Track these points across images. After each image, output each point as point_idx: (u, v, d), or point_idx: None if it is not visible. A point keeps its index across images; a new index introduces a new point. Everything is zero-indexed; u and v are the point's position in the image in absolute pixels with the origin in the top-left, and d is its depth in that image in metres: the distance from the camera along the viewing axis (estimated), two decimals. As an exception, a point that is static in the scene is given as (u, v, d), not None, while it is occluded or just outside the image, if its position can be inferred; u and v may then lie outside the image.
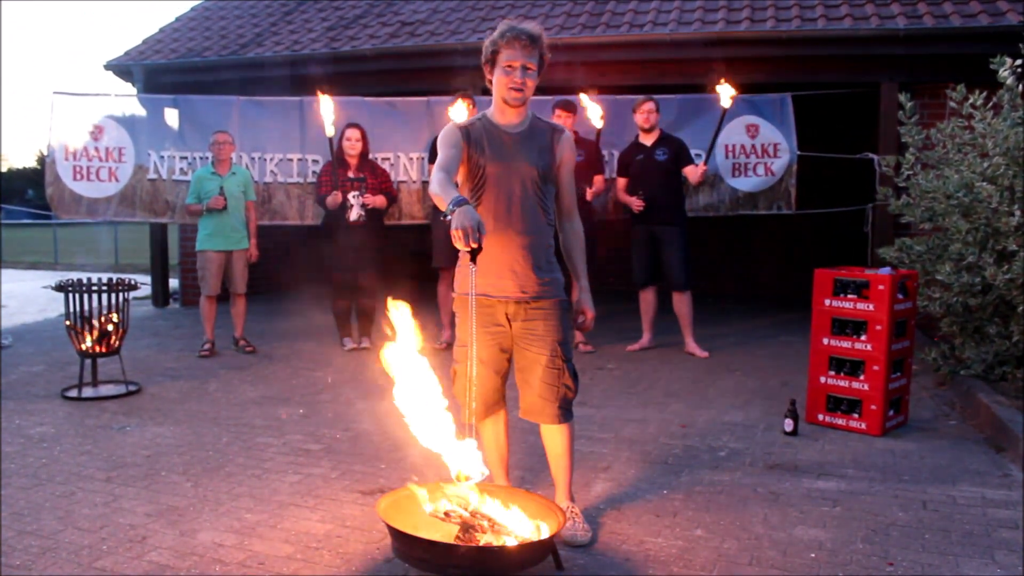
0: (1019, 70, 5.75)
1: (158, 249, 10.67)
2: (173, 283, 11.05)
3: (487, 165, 3.39)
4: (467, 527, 3.07)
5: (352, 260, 7.15)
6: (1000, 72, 5.76)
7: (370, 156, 7.53)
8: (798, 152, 8.28)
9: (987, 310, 5.70)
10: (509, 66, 3.33)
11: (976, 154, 5.76)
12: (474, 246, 2.91)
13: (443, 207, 3.02)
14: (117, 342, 6.01)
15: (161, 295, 10.66)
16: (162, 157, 8.67)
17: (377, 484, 4.13)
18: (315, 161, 8.56)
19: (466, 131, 3.41)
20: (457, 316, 3.58)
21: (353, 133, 7.22)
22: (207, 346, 7.28)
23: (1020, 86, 5.77)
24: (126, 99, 9.13)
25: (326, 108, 6.94)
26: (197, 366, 6.89)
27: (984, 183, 5.48)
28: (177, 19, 11.49)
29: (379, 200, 7.22)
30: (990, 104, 5.88)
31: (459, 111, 6.34)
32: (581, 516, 3.57)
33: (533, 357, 3.47)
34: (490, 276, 3.41)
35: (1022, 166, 5.42)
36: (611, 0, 9.35)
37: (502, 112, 3.45)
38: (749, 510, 3.82)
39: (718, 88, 5.85)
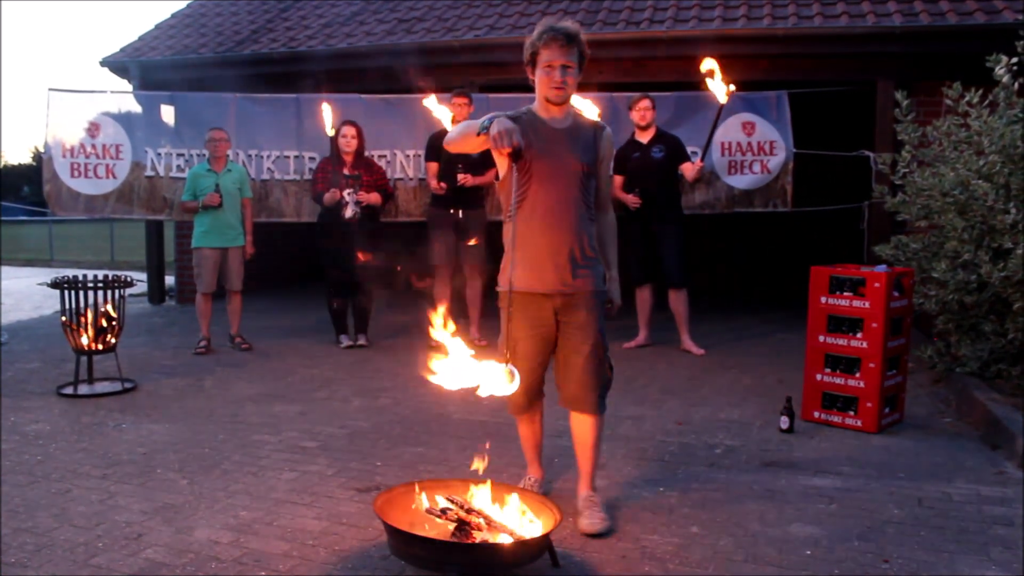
0: (1015, 68, 5.76)
1: (154, 246, 10.66)
2: (169, 280, 11.04)
3: (534, 160, 3.45)
4: (463, 525, 3.07)
5: (348, 257, 7.14)
6: (996, 70, 5.76)
7: (366, 153, 7.52)
8: (794, 150, 8.29)
9: (983, 308, 5.71)
10: (549, 66, 3.42)
11: (972, 152, 5.76)
12: (516, 144, 3.14)
13: (475, 132, 3.28)
14: (113, 339, 6.00)
15: (157, 292, 10.64)
16: (159, 154, 8.66)
17: (373, 481, 4.13)
18: (312, 158, 8.56)
19: (514, 123, 3.40)
20: (503, 314, 3.60)
21: (349, 130, 7.22)
22: (203, 343, 7.27)
23: (1016, 84, 5.78)
24: (122, 96, 9.11)
25: (326, 112, 6.93)
26: (193, 363, 6.88)
27: (980, 181, 5.48)
28: (173, 15, 11.44)
29: (374, 197, 7.22)
30: (986, 102, 5.88)
31: (437, 107, 6.25)
32: (600, 506, 3.62)
33: (575, 347, 3.55)
34: (537, 269, 3.49)
35: (1018, 164, 5.42)
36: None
37: (546, 109, 3.54)
38: (745, 507, 3.83)
39: (710, 76, 5.83)
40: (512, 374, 3.10)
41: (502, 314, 3.60)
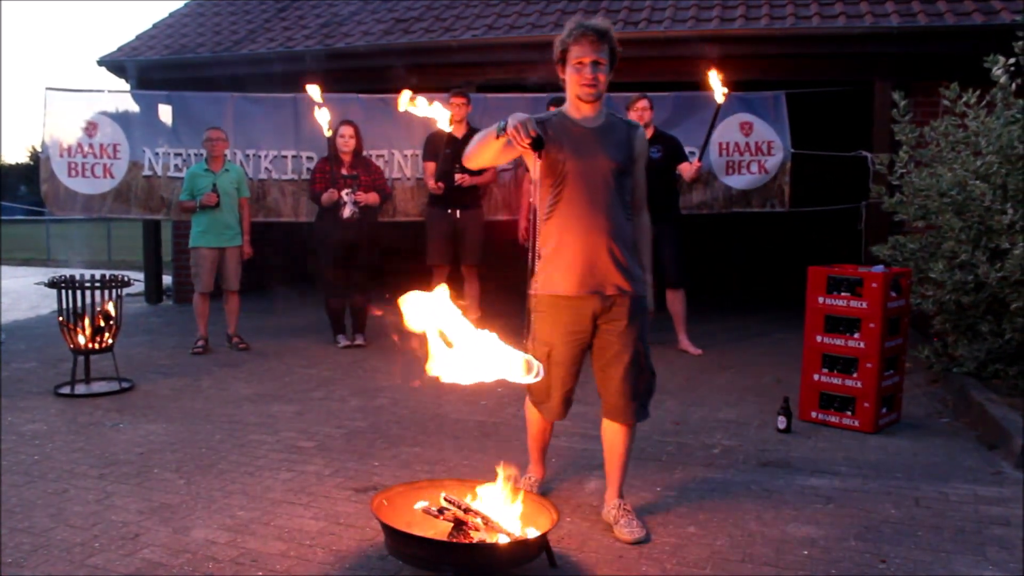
0: (1012, 68, 5.76)
1: (151, 246, 10.65)
2: (166, 280, 11.02)
3: (567, 161, 3.39)
4: (460, 524, 3.07)
5: (346, 257, 7.13)
6: (993, 70, 5.77)
7: (364, 153, 7.51)
8: (792, 150, 8.29)
9: (980, 308, 5.71)
10: (579, 63, 3.36)
11: (969, 152, 5.77)
12: (534, 135, 3.10)
13: (494, 136, 3.24)
14: (110, 339, 5.99)
15: (154, 292, 10.62)
16: (156, 154, 8.64)
17: (371, 481, 4.13)
18: (309, 158, 8.54)
19: (542, 126, 3.35)
20: (535, 315, 3.53)
21: (347, 130, 7.21)
22: (200, 343, 7.26)
23: (1013, 84, 5.79)
24: (120, 95, 9.09)
25: (322, 113, 6.92)
26: (190, 363, 6.87)
27: (977, 181, 5.50)
28: (171, 15, 11.44)
29: (372, 197, 7.22)
30: (983, 102, 5.89)
31: (430, 110, 6.13)
32: (634, 512, 3.58)
33: (616, 356, 3.48)
34: (576, 273, 3.41)
35: (1015, 164, 5.43)
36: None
37: (577, 108, 3.47)
38: (742, 507, 3.83)
39: (709, 76, 5.83)
40: (530, 364, 2.95)
41: (533, 316, 3.52)
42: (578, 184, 3.39)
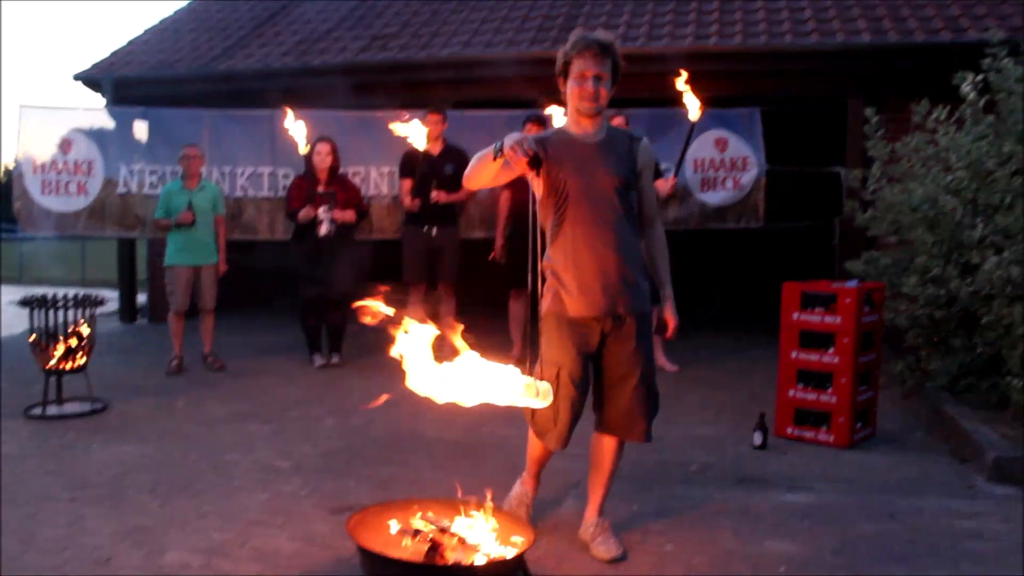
0: (980, 85, 5.85)
1: (126, 264, 10.56)
2: (141, 298, 10.93)
3: (569, 179, 3.32)
4: (436, 545, 3.06)
5: (322, 275, 7.11)
6: (962, 87, 5.85)
7: (341, 170, 7.50)
8: (767, 166, 8.35)
9: (952, 322, 5.77)
10: (581, 76, 3.29)
11: (940, 168, 5.84)
12: (531, 153, 3.07)
13: (491, 157, 3.20)
14: (83, 359, 5.93)
15: (129, 311, 10.53)
16: (132, 171, 8.58)
17: (347, 501, 4.10)
18: (286, 175, 8.50)
19: (541, 144, 3.32)
20: (543, 336, 3.44)
21: (323, 147, 7.19)
22: (175, 362, 7.19)
23: (982, 101, 5.87)
24: (95, 112, 9.04)
25: (297, 128, 6.90)
26: (165, 383, 6.81)
27: (948, 196, 5.56)
28: (147, 31, 11.37)
29: (349, 215, 7.20)
30: (953, 119, 5.97)
31: (408, 129, 6.09)
32: (612, 530, 3.57)
33: (625, 374, 3.41)
34: (586, 293, 3.33)
35: (984, 179, 5.50)
36: (581, 16, 9.40)
37: (577, 123, 3.41)
38: (719, 524, 3.84)
39: (684, 92, 5.87)
40: (535, 387, 2.84)
41: (542, 338, 3.43)
42: (581, 202, 3.32)
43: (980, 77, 5.86)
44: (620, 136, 3.48)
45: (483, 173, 3.37)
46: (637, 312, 3.39)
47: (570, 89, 3.34)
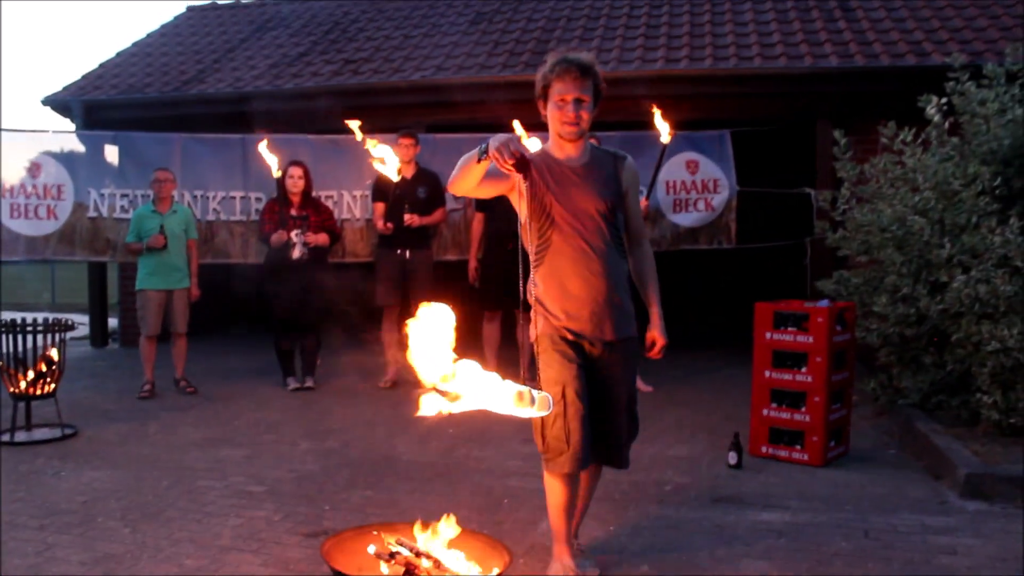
0: (945, 108, 5.95)
1: (96, 288, 10.45)
2: (112, 323, 10.82)
3: (553, 203, 3.24)
4: (412, 569, 3.03)
5: (295, 299, 7.07)
6: (927, 110, 5.95)
7: (313, 194, 7.48)
8: (738, 187, 8.43)
9: (922, 340, 5.83)
10: (561, 100, 3.20)
11: (907, 188, 5.92)
12: (518, 154, 2.91)
13: (475, 160, 3.02)
14: (52, 384, 5.86)
15: (99, 335, 10.41)
16: (102, 195, 8.52)
17: (321, 526, 4.06)
18: (258, 199, 8.48)
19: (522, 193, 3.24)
20: (540, 357, 3.29)
21: (296, 171, 7.18)
22: (147, 387, 7.12)
23: (946, 123, 5.98)
24: (65, 135, 8.97)
25: (269, 155, 6.89)
26: (136, 408, 6.73)
27: (916, 216, 5.63)
28: (118, 54, 11.30)
29: (322, 238, 7.18)
30: (919, 140, 6.07)
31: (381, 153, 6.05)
32: (588, 552, 3.58)
33: (608, 400, 3.35)
34: (575, 319, 3.26)
35: (951, 200, 5.58)
36: (552, 39, 9.47)
37: (560, 147, 3.32)
38: (695, 544, 3.84)
39: (655, 115, 5.92)
40: (528, 395, 2.54)
41: (540, 359, 3.29)
42: (566, 228, 3.24)
43: (944, 100, 5.96)
44: (604, 157, 3.40)
45: (467, 177, 3.18)
46: (623, 337, 3.34)
47: (551, 112, 3.25)
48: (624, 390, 3.37)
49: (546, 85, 3.24)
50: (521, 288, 3.22)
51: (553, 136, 3.32)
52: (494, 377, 2.59)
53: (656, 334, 3.45)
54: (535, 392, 2.56)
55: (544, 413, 2.65)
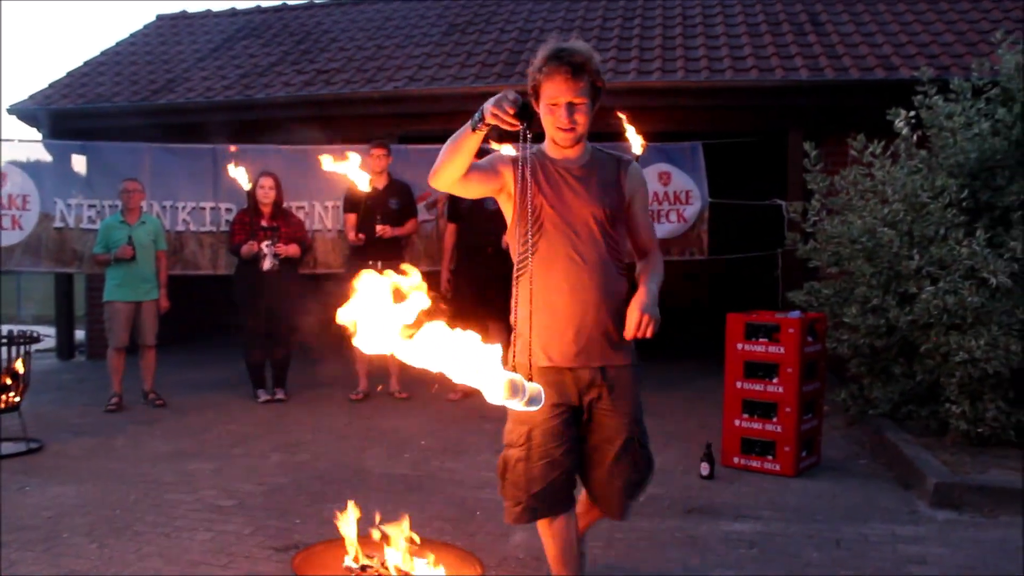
0: (913, 121, 6.02)
1: (63, 299, 10.31)
2: (79, 335, 10.67)
3: (543, 207, 2.85)
4: (384, 582, 3.01)
5: (266, 310, 7.01)
6: (896, 123, 6.01)
7: (284, 204, 7.43)
8: (709, 199, 8.47)
9: (892, 351, 5.87)
10: (553, 104, 2.80)
11: (877, 200, 5.97)
12: (515, 99, 2.48)
13: (468, 133, 2.62)
14: (17, 397, 5.76)
15: (66, 347, 10.27)
16: (69, 205, 8.42)
17: (292, 539, 4.01)
18: (228, 210, 8.42)
19: (517, 160, 2.87)
20: None
21: (267, 181, 7.13)
22: (114, 400, 7.01)
23: (915, 136, 6.04)
24: (30, 144, 8.85)
25: (239, 172, 6.84)
26: (104, 421, 6.63)
27: (885, 228, 5.68)
28: (86, 63, 11.20)
29: (292, 249, 7.12)
30: (888, 153, 6.12)
31: (346, 167, 6.06)
32: None
33: (607, 438, 2.91)
34: (556, 340, 2.85)
35: (919, 212, 5.64)
36: (525, 51, 9.50)
37: (556, 148, 2.92)
38: (668, 555, 3.84)
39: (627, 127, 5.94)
40: (514, 387, 2.07)
41: None
42: (556, 236, 2.85)
43: (912, 113, 6.03)
44: (606, 160, 2.99)
45: (456, 157, 2.71)
46: (619, 364, 2.92)
47: (543, 115, 2.84)
48: (625, 426, 2.91)
49: (535, 85, 2.84)
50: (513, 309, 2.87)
51: (548, 138, 2.93)
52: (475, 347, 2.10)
53: (633, 305, 2.80)
54: (528, 384, 2.11)
55: (532, 408, 2.15)
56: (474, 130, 2.61)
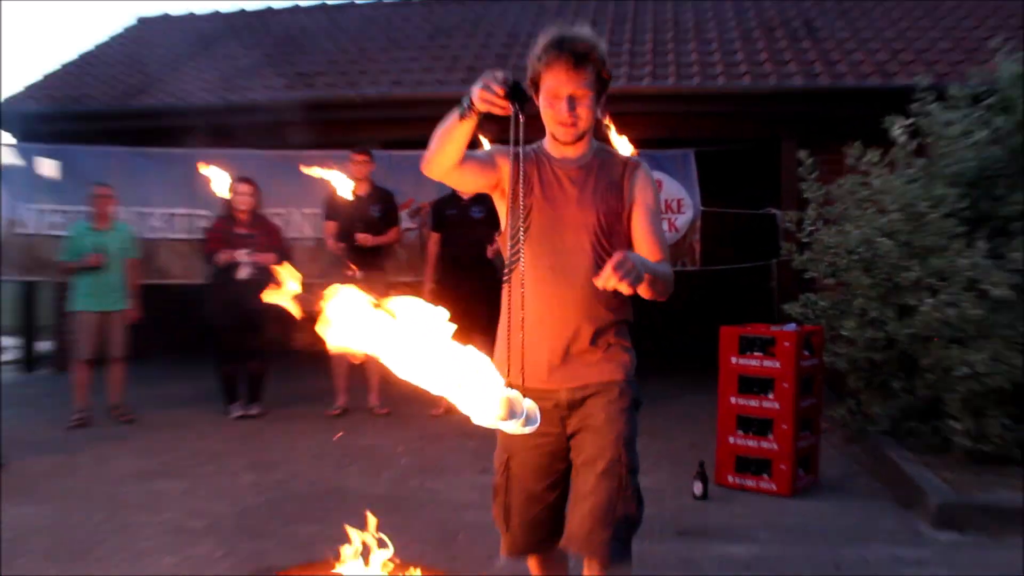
0: (910, 129, 5.91)
1: (26, 309, 10.07)
2: (43, 346, 10.40)
3: (534, 208, 2.58)
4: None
5: (241, 321, 6.78)
6: (893, 131, 5.92)
7: (262, 211, 7.22)
8: (702, 208, 8.35)
9: (892, 365, 5.75)
10: (553, 96, 2.52)
11: (874, 210, 5.86)
12: (504, 79, 2.26)
13: (455, 120, 2.40)
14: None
15: (28, 359, 10.02)
16: (36, 211, 8.20)
17: (265, 563, 3.85)
18: (203, 216, 8.20)
19: (513, 154, 2.57)
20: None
21: (244, 187, 6.93)
22: (79, 415, 6.76)
23: (912, 144, 5.94)
24: (-1, 148, 8.64)
25: (215, 173, 6.64)
26: (67, 438, 6.41)
27: (883, 238, 5.57)
28: (62, 65, 11.00)
29: (270, 258, 6.90)
30: (885, 161, 6.02)
31: (326, 174, 5.88)
32: None
33: (587, 461, 2.54)
34: (534, 354, 2.54)
35: (918, 222, 5.51)
36: (512, 55, 9.37)
37: (556, 144, 2.64)
38: (661, 581, 3.67)
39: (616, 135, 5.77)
40: (509, 405, 1.84)
41: None
42: (545, 238, 2.57)
43: (910, 121, 5.93)
44: (611, 160, 2.68)
45: (448, 145, 2.48)
46: (605, 381, 2.60)
47: (542, 109, 2.57)
48: (608, 448, 2.53)
49: (535, 75, 2.55)
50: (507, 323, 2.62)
51: (548, 133, 2.65)
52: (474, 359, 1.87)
53: (620, 252, 2.27)
54: (526, 402, 1.86)
55: (528, 429, 1.87)
56: (462, 117, 2.38)
